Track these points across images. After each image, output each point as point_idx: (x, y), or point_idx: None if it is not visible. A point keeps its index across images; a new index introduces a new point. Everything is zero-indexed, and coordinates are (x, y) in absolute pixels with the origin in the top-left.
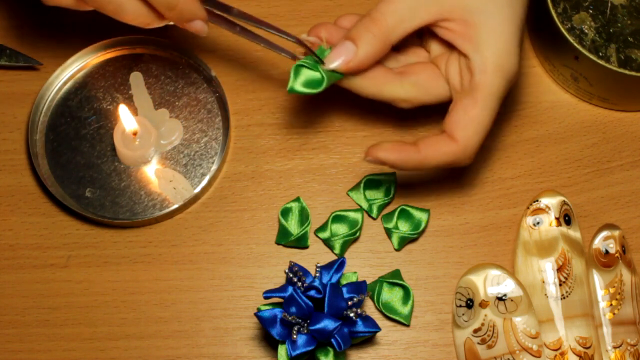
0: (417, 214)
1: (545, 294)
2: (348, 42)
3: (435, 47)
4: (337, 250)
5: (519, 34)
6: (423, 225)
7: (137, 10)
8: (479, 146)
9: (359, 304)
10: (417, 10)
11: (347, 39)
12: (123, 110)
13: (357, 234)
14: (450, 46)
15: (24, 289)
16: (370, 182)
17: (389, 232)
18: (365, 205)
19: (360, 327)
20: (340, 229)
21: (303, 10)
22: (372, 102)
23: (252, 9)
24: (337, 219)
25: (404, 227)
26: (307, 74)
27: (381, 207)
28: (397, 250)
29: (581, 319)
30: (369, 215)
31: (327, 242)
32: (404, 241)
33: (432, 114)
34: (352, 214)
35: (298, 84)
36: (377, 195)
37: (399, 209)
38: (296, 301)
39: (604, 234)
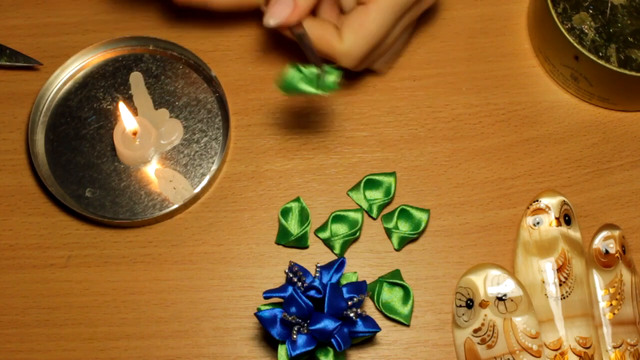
0: (417, 214)
1: (545, 294)
2: None
3: None
4: (337, 250)
5: None
6: (423, 225)
7: None
8: (362, 53)
9: (359, 304)
10: None
11: None
12: (122, 108)
13: (357, 234)
14: None
15: (24, 289)
16: (370, 182)
17: (389, 232)
18: (365, 205)
19: (360, 327)
20: (340, 229)
21: None
22: (372, 102)
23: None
24: (337, 219)
25: (404, 227)
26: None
27: (381, 207)
28: (397, 250)
29: (581, 319)
30: (369, 215)
31: (327, 242)
32: (404, 241)
33: (433, 114)
34: (352, 214)
35: (286, 86)
36: (377, 195)
37: (399, 209)
38: (296, 301)
39: (604, 234)
